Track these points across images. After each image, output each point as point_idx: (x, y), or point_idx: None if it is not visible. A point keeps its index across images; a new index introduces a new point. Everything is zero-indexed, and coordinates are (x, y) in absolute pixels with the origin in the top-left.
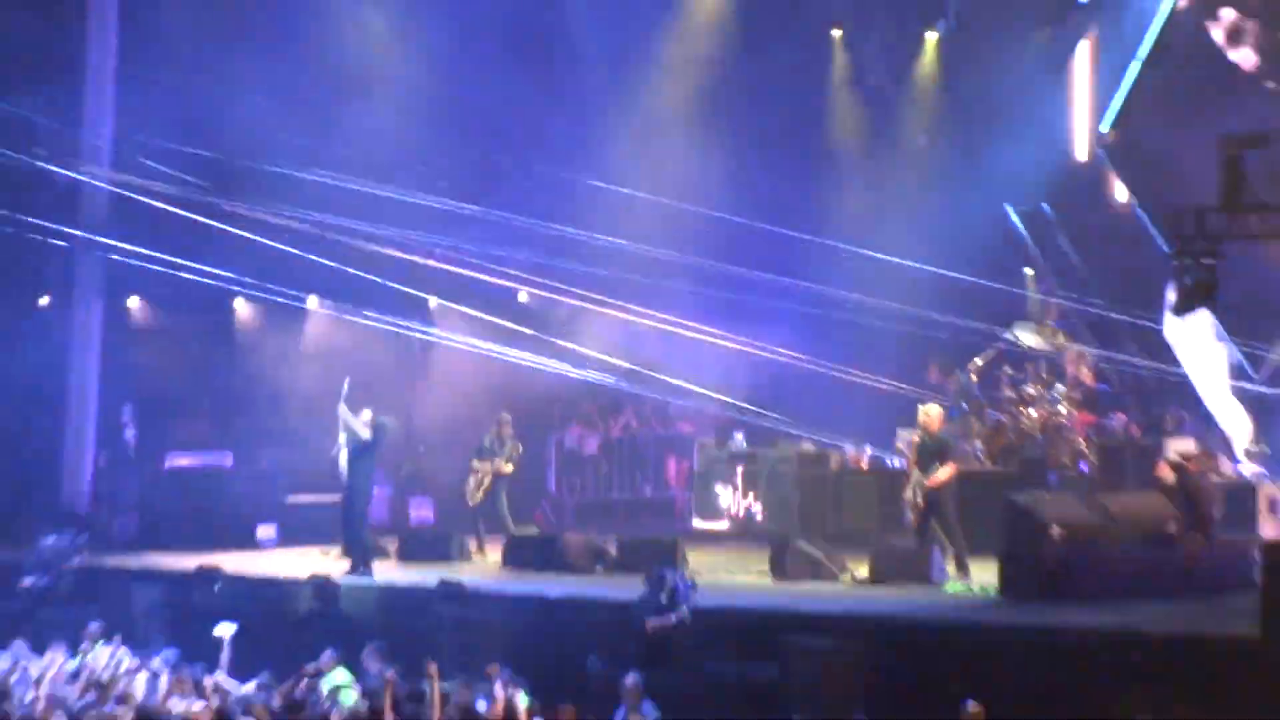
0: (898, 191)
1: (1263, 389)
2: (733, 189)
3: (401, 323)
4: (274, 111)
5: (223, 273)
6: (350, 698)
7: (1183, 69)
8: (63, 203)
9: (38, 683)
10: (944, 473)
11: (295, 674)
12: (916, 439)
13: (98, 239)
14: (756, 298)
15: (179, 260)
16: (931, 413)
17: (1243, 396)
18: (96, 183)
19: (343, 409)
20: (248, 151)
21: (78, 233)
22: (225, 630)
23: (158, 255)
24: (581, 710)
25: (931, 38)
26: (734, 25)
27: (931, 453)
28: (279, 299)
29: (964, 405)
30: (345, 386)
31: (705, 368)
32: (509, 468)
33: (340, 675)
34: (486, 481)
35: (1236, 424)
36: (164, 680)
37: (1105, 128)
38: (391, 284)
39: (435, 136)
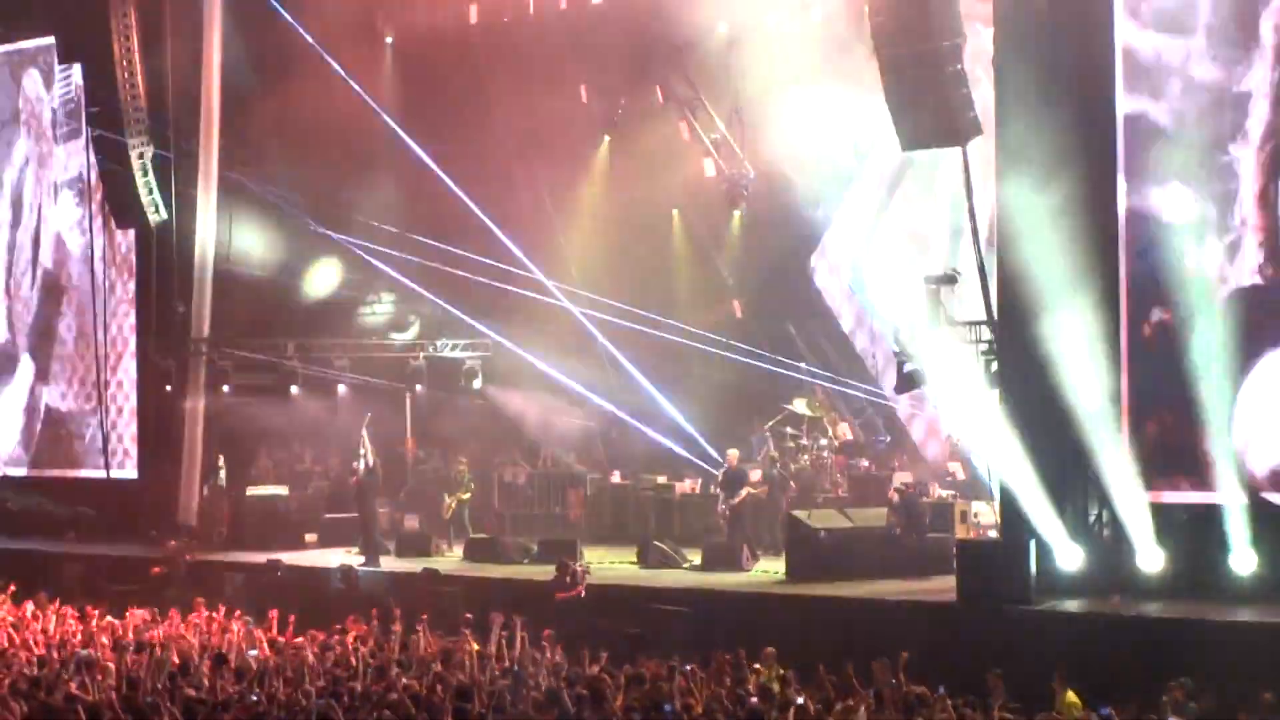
0: None
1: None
2: None
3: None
4: None
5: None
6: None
7: None
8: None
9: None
10: (741, 494)
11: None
12: (721, 474)
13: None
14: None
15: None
16: (730, 454)
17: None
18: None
19: (364, 435)
20: None
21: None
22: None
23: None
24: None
25: None
26: None
27: (733, 481)
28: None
29: (767, 447)
30: (367, 419)
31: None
32: (466, 495)
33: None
34: (453, 503)
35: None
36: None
37: None
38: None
39: None
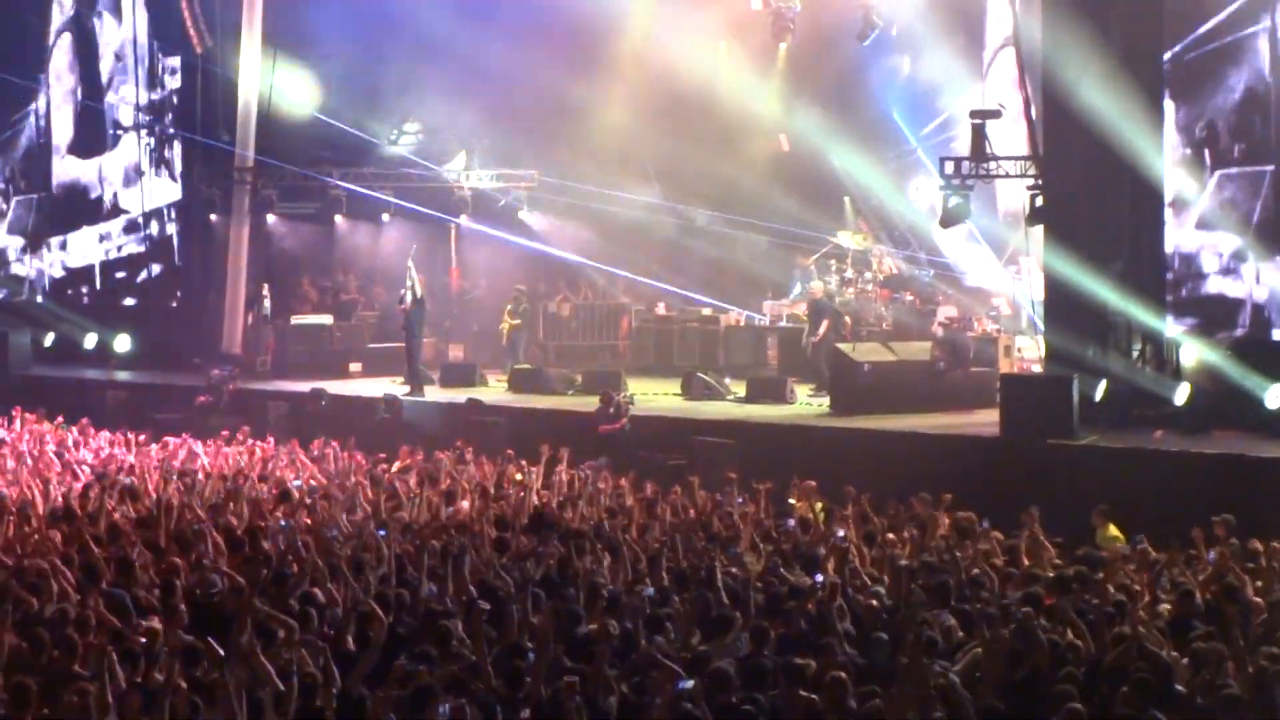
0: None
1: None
2: None
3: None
4: None
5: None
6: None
7: None
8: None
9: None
10: (823, 327)
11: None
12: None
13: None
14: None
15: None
16: (814, 286)
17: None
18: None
19: (410, 265)
20: None
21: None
22: None
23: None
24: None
25: None
26: None
27: (818, 313)
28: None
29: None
30: (413, 250)
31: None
32: (518, 321)
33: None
34: (507, 328)
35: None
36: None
37: None
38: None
39: None
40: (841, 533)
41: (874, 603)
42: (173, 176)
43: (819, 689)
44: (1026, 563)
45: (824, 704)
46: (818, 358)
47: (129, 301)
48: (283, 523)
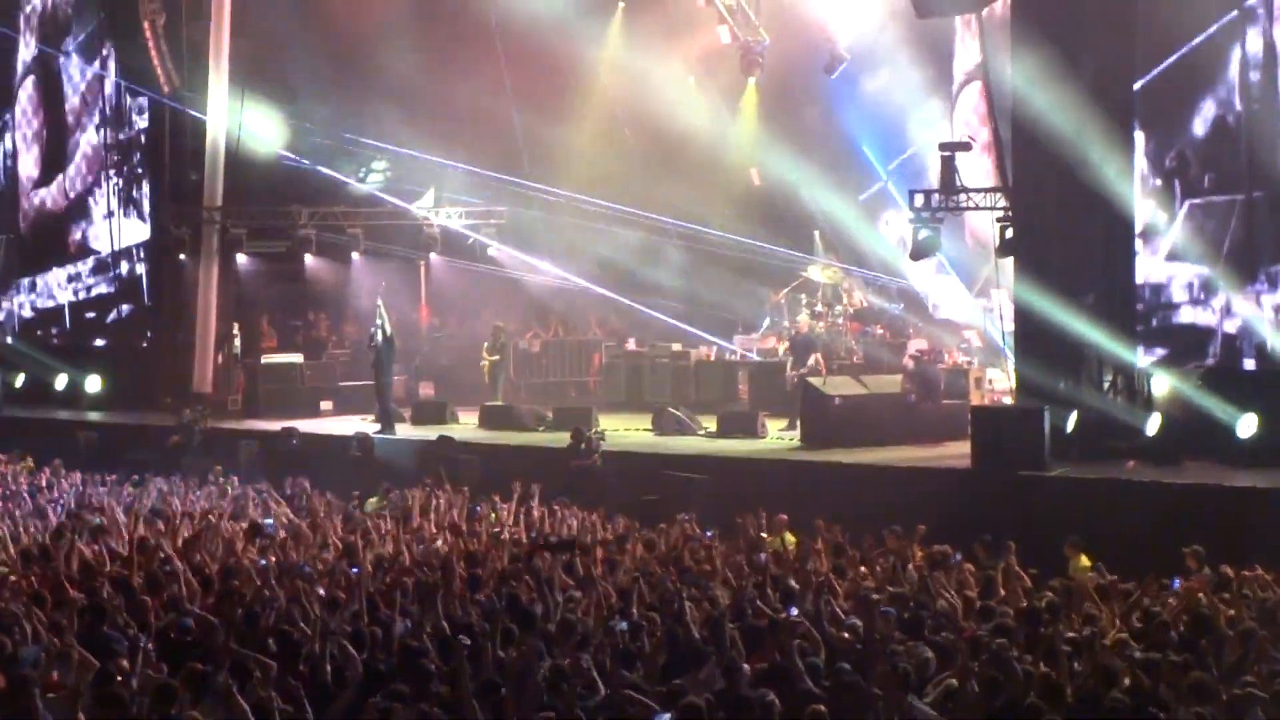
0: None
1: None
2: None
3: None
4: None
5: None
6: (377, 506)
7: None
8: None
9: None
10: (811, 360)
11: (348, 498)
12: (789, 341)
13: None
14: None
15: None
16: (800, 320)
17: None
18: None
19: (380, 303)
20: None
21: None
22: None
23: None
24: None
25: None
26: None
27: (803, 347)
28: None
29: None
30: (382, 288)
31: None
32: (496, 357)
33: (374, 501)
34: (488, 365)
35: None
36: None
37: None
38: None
39: None
40: (812, 565)
41: (846, 635)
42: (141, 216)
43: None
44: (1002, 594)
45: None
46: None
47: (99, 342)
48: (261, 562)
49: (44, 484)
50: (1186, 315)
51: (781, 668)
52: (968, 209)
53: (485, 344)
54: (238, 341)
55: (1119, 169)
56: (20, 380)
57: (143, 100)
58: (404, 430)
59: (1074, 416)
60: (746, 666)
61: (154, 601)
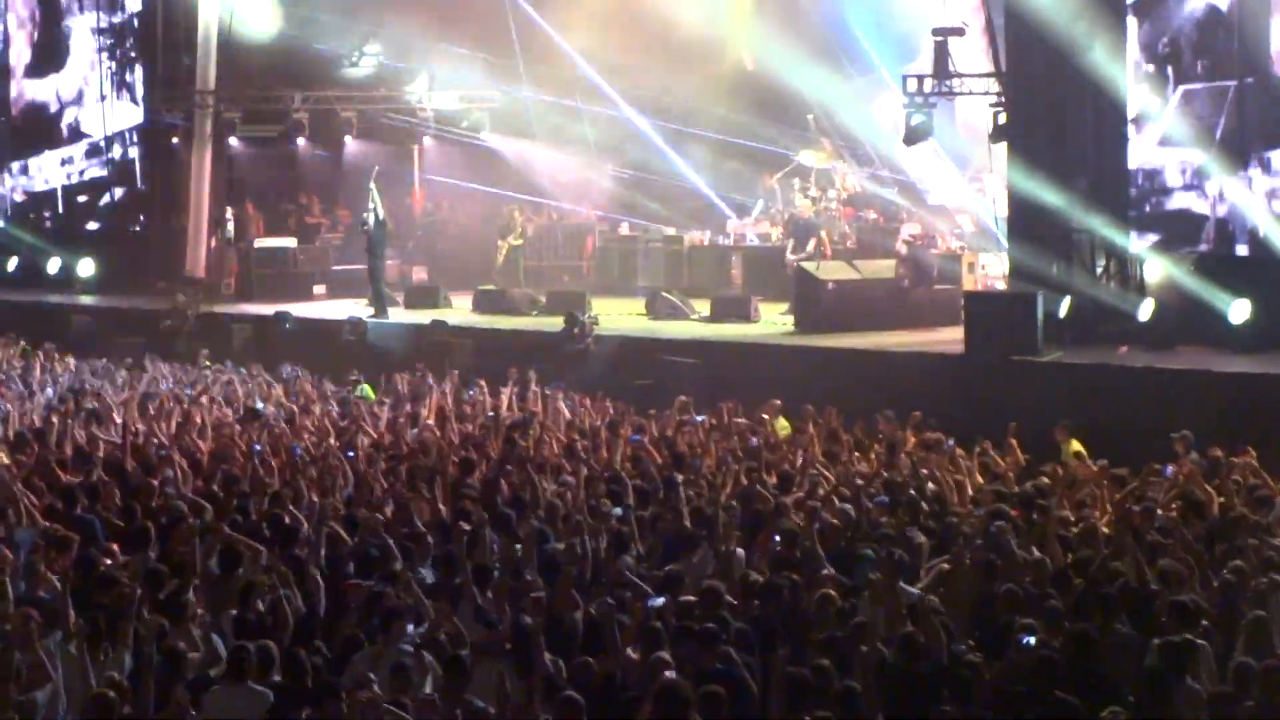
0: None
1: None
2: None
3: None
4: None
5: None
6: (369, 393)
7: None
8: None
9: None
10: (811, 244)
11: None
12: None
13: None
14: None
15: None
16: (802, 204)
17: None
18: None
19: (372, 186)
20: None
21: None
22: None
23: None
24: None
25: None
26: None
27: (804, 231)
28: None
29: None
30: (374, 172)
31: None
32: (519, 241)
33: (368, 386)
34: (505, 248)
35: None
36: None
37: None
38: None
39: None
40: (805, 450)
41: (836, 521)
42: (134, 100)
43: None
44: (1001, 473)
45: (815, 619)
46: None
47: (92, 226)
48: (255, 446)
49: (38, 368)
50: (1179, 201)
51: (783, 554)
52: (961, 94)
53: (500, 227)
54: (231, 226)
55: (1111, 55)
56: (12, 264)
57: None
58: (397, 314)
59: (1067, 301)
60: (741, 551)
61: (148, 486)
